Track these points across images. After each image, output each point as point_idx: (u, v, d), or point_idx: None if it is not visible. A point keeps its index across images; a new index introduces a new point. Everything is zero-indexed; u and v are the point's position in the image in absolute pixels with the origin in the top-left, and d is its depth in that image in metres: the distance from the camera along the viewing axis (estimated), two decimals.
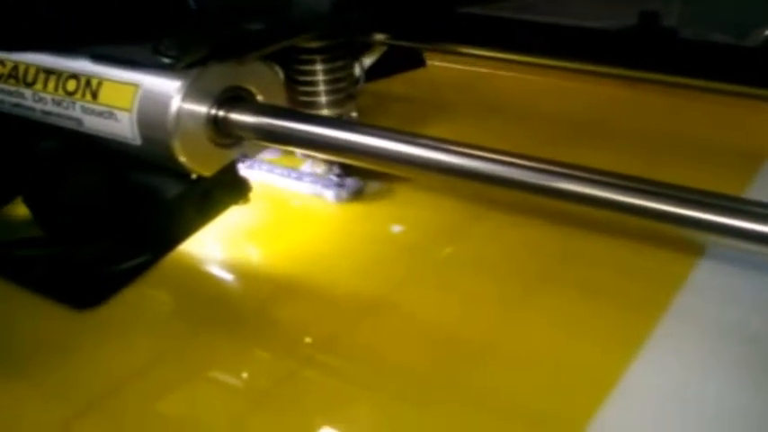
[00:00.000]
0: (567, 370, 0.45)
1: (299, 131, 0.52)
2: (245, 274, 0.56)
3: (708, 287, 0.50)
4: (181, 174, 0.54)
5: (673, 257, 0.52)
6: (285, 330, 0.50)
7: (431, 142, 0.49)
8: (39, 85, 0.55)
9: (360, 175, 0.61)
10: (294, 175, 0.62)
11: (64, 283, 0.52)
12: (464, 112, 0.78)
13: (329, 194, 0.60)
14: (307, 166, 0.63)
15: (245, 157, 0.57)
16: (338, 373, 0.48)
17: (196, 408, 0.45)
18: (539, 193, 0.46)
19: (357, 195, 0.61)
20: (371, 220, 0.60)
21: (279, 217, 0.61)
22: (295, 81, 0.62)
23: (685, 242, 0.52)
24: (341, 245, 0.57)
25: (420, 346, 0.48)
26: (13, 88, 0.56)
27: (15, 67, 0.56)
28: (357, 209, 0.60)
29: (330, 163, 0.64)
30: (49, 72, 0.55)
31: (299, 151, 0.59)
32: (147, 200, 0.55)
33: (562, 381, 0.44)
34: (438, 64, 0.84)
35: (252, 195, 0.58)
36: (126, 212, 0.54)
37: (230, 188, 0.57)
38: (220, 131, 0.53)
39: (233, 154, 0.55)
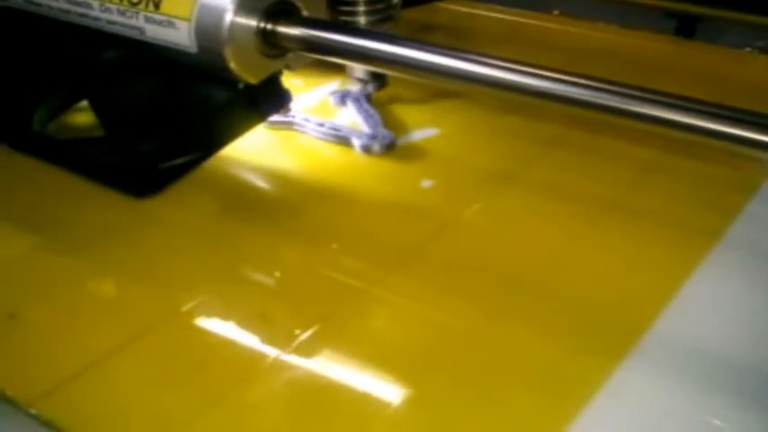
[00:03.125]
0: (626, 286, 0.50)
1: (342, 43, 0.57)
2: (281, 180, 0.63)
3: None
4: (229, 82, 0.60)
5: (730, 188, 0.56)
6: (314, 232, 0.56)
7: (478, 57, 0.52)
8: None
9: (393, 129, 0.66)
10: (328, 125, 0.67)
11: (125, 173, 0.58)
12: (499, 41, 0.82)
13: (357, 144, 0.65)
14: (340, 117, 0.68)
15: (288, 68, 0.62)
16: (360, 275, 0.52)
17: (225, 297, 0.51)
18: (593, 110, 0.48)
19: (390, 148, 0.65)
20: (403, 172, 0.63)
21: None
22: (334, 1, 0.67)
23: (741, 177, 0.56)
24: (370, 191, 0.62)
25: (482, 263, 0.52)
26: None
27: None
28: (388, 162, 0.64)
29: (364, 82, 0.70)
30: None
31: (340, 62, 0.64)
32: (198, 104, 0.60)
33: (621, 296, 0.49)
34: None
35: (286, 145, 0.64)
36: (180, 115, 0.60)
37: (273, 97, 0.63)
38: (268, 42, 0.59)
39: (278, 64, 0.61)
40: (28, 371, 0.45)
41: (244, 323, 0.48)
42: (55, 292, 0.51)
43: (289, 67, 0.62)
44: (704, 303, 0.48)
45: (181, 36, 0.58)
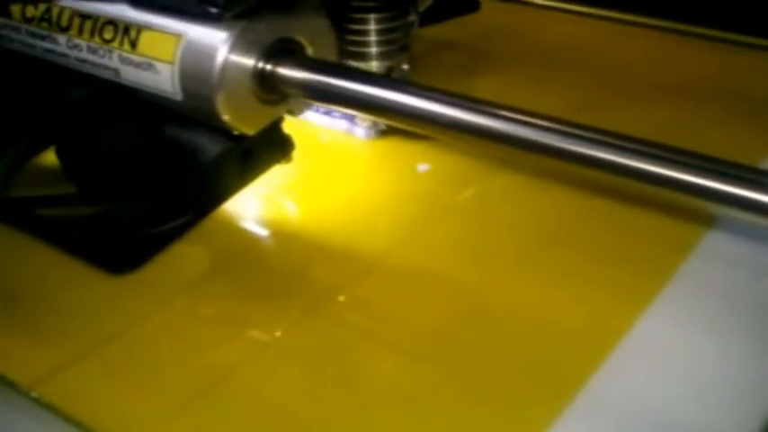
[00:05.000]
0: (572, 327, 0.44)
1: (352, 91, 0.48)
2: (285, 235, 0.54)
3: (718, 253, 0.48)
4: (222, 130, 0.51)
5: (685, 221, 0.50)
6: (319, 291, 0.48)
7: (494, 110, 0.45)
8: (73, 31, 0.51)
9: None
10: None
11: (100, 245, 0.49)
12: (513, 59, 0.74)
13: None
14: None
15: (290, 114, 0.53)
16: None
17: (228, 361, 0.44)
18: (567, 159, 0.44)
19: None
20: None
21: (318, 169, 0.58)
22: (345, 30, 0.58)
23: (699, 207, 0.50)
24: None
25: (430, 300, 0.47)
26: (45, 32, 0.52)
27: (48, 9, 0.52)
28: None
29: None
30: (84, 16, 0.51)
31: (351, 113, 0.55)
32: (186, 158, 0.51)
33: (566, 337, 0.43)
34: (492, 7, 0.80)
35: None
36: (164, 171, 0.51)
37: (273, 146, 0.53)
38: (267, 87, 0.49)
39: (278, 112, 0.52)
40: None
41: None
42: None
43: (292, 113, 0.53)
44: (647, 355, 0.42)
45: (162, 81, 0.49)
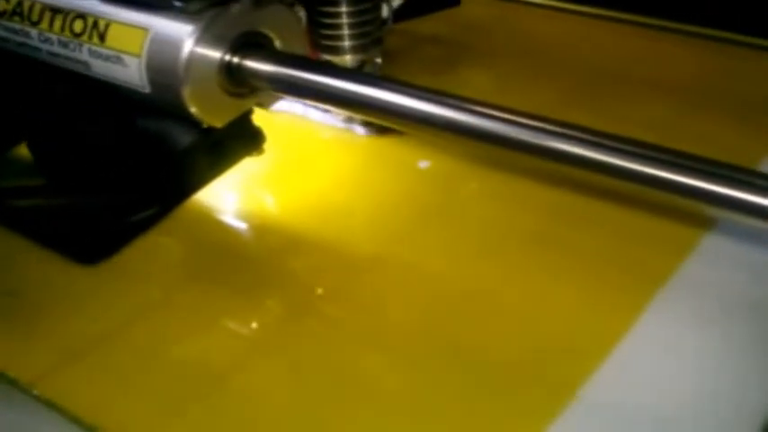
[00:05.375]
0: (565, 331, 0.43)
1: (319, 84, 0.49)
2: (258, 225, 0.54)
3: (717, 254, 0.47)
4: (192, 122, 0.51)
5: (684, 223, 0.49)
6: (295, 281, 0.49)
7: (460, 103, 0.45)
8: (44, 24, 0.52)
9: None
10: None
11: (69, 236, 0.50)
12: (493, 54, 0.74)
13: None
14: None
15: (259, 107, 0.53)
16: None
17: (202, 353, 0.44)
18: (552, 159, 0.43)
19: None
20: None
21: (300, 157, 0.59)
22: (317, 24, 0.58)
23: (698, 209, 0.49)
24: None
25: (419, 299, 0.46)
26: (17, 26, 0.53)
27: (20, 3, 0.53)
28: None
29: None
30: (55, 10, 0.52)
31: (318, 106, 0.56)
32: (156, 149, 0.52)
33: (560, 341, 0.43)
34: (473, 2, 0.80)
35: (280, 127, 0.57)
36: (134, 162, 0.52)
37: (244, 139, 0.54)
38: (234, 80, 0.50)
39: (247, 104, 0.52)
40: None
41: None
42: None
43: (261, 105, 0.54)
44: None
45: (131, 74, 0.49)
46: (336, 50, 0.59)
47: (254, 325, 0.47)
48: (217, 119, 0.51)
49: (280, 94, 0.52)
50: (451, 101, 0.46)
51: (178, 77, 0.48)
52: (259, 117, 0.55)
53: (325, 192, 0.55)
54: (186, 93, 0.49)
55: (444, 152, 0.58)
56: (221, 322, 0.46)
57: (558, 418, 0.38)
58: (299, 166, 0.58)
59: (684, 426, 0.38)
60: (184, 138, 0.52)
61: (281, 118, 0.61)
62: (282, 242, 0.51)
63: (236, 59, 0.50)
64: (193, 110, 0.49)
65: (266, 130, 0.56)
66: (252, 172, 0.56)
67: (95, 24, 0.50)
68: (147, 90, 0.50)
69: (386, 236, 0.51)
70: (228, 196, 0.55)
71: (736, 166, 0.39)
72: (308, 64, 0.51)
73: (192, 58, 0.48)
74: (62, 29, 0.51)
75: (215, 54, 0.49)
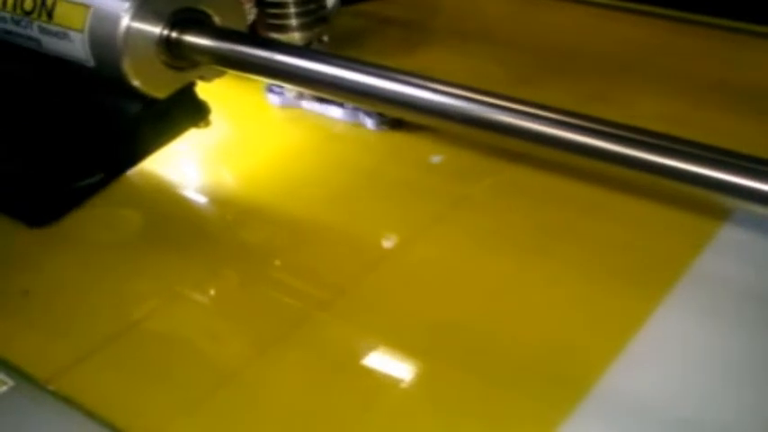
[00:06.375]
0: (586, 321, 0.44)
1: (254, 57, 0.52)
2: (202, 192, 0.58)
3: (732, 246, 0.47)
4: (139, 95, 0.54)
5: (700, 215, 0.49)
6: (250, 251, 0.52)
7: (397, 75, 0.47)
8: None
9: None
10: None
11: (17, 199, 0.53)
12: (454, 34, 0.75)
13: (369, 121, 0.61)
14: None
15: (202, 80, 0.56)
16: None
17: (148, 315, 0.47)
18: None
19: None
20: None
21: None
22: (264, 3, 0.61)
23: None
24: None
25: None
26: None
27: None
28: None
29: None
30: None
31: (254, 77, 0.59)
32: (102, 119, 0.55)
33: (573, 337, 0.43)
34: None
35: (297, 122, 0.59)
36: (81, 131, 0.55)
37: (189, 110, 0.57)
38: (174, 54, 0.53)
39: (188, 77, 0.55)
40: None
41: None
42: None
43: (203, 78, 0.57)
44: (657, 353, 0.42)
45: (75, 48, 0.53)
46: (283, 29, 0.62)
47: (204, 291, 0.49)
48: (159, 91, 0.54)
49: (218, 67, 0.55)
50: (401, 76, 0.47)
51: (117, 51, 0.51)
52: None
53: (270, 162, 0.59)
54: (126, 65, 0.52)
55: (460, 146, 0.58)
56: (169, 286, 0.49)
57: (571, 415, 0.38)
58: (245, 139, 0.61)
59: (701, 417, 0.38)
60: (129, 107, 0.55)
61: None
62: (227, 210, 0.55)
63: (174, 34, 0.53)
64: (135, 82, 0.53)
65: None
66: (198, 143, 0.59)
67: (44, 3, 0.54)
68: (92, 64, 0.53)
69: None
70: (174, 165, 0.58)
71: (753, 156, 0.38)
72: (242, 38, 0.54)
73: (129, 32, 0.51)
74: (14, 7, 0.55)
75: (153, 29, 0.52)
